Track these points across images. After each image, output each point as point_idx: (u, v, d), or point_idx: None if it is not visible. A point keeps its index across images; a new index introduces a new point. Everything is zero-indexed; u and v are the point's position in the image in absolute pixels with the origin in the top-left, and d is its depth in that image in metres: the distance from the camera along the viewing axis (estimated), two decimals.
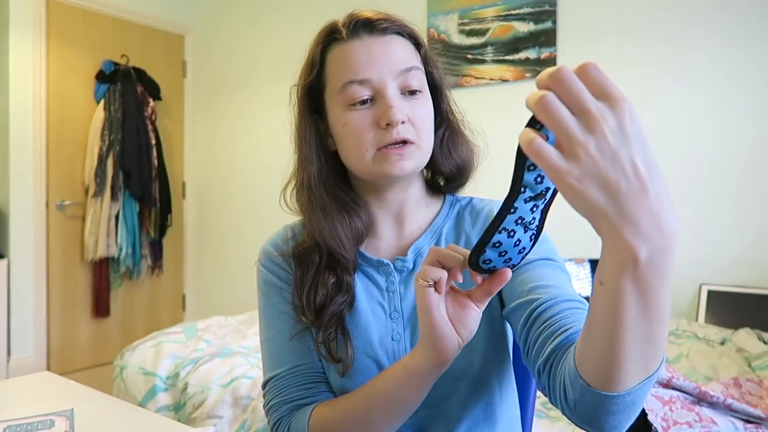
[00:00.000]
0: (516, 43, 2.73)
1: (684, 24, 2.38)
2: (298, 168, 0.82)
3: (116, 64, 3.44)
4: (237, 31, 3.77)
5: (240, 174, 3.76)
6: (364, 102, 0.71)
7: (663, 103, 2.43)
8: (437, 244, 0.80)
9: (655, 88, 2.45)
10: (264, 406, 0.78)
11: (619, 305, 0.45)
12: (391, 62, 0.71)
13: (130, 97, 3.42)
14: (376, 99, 0.71)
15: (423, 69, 0.75)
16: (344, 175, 0.80)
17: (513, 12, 2.75)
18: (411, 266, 0.78)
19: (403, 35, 0.75)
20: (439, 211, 0.83)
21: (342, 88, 0.72)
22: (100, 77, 3.38)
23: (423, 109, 0.73)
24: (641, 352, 0.48)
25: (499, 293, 0.76)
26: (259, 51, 3.66)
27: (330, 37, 0.76)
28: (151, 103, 3.58)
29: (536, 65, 2.69)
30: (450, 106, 0.82)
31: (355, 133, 0.72)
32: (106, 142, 3.31)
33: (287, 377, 0.76)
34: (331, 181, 0.78)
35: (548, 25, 2.67)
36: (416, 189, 0.81)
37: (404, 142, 0.71)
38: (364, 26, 0.73)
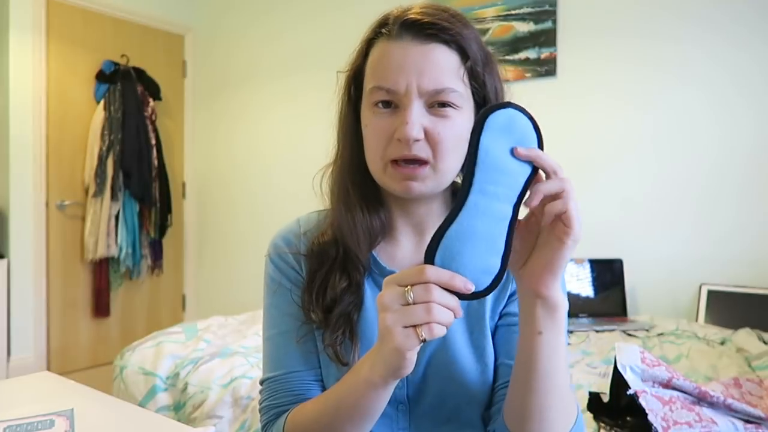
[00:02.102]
0: (516, 43, 2.73)
1: (684, 23, 2.38)
2: (335, 155, 0.79)
3: (116, 64, 3.44)
4: (237, 31, 3.77)
5: (240, 174, 3.76)
6: (387, 104, 0.68)
7: (663, 102, 2.43)
8: None
9: (655, 88, 2.45)
10: (259, 404, 0.78)
11: (557, 345, 0.59)
12: (422, 77, 0.66)
13: (130, 97, 3.42)
14: (399, 107, 0.68)
15: (464, 87, 0.68)
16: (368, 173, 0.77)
17: (513, 12, 2.75)
18: None
19: (449, 45, 0.67)
20: None
21: (370, 90, 0.70)
22: (100, 77, 3.39)
23: (449, 127, 0.67)
24: (563, 395, 0.61)
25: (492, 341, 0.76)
26: (259, 51, 3.66)
27: (379, 29, 0.71)
28: (151, 103, 3.58)
29: (536, 65, 2.69)
30: None
31: (373, 138, 0.70)
32: (106, 142, 3.31)
33: (281, 381, 0.75)
34: (359, 175, 0.75)
35: (548, 25, 2.66)
36: (441, 203, 0.78)
37: (418, 161, 0.67)
38: (409, 28, 0.68)
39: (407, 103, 0.66)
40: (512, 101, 0.58)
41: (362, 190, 0.75)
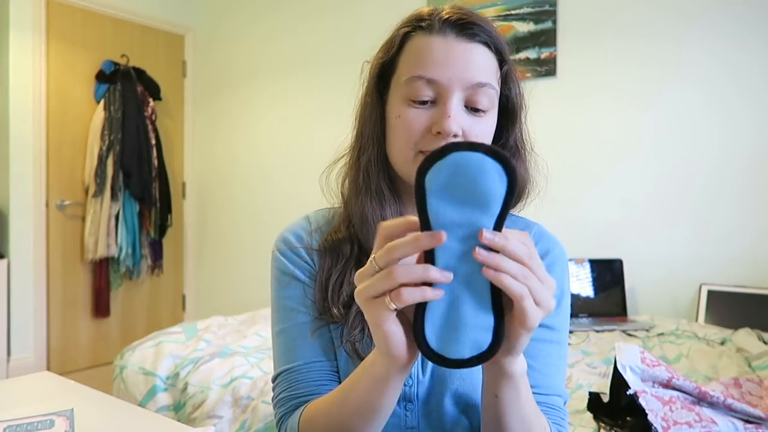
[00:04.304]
0: (516, 43, 2.73)
1: (684, 24, 2.38)
2: (354, 147, 0.77)
3: (116, 64, 3.44)
4: (237, 31, 3.77)
5: (240, 174, 3.76)
6: (423, 102, 0.68)
7: (663, 103, 2.43)
8: None
9: (655, 88, 2.45)
10: (272, 400, 0.75)
11: (517, 403, 0.59)
12: (466, 71, 0.67)
13: (130, 97, 3.42)
14: (436, 102, 0.68)
15: (498, 88, 0.70)
16: (389, 166, 0.75)
17: (513, 12, 2.75)
18: None
19: (489, 47, 0.69)
20: None
21: (408, 80, 0.68)
22: (100, 77, 3.39)
23: (482, 127, 0.69)
24: None
25: None
26: (259, 51, 3.66)
27: (416, 23, 0.71)
28: (151, 103, 3.58)
29: (536, 65, 2.70)
30: (521, 135, 0.76)
31: (405, 129, 0.69)
32: (106, 142, 3.32)
33: (301, 372, 0.73)
34: (383, 167, 0.74)
35: (548, 25, 2.67)
36: None
37: None
38: (452, 25, 0.68)
39: (447, 97, 0.67)
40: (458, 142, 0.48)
41: (384, 183, 0.74)
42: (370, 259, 0.50)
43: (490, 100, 0.69)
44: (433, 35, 0.68)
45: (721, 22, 2.31)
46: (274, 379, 0.76)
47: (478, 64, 0.67)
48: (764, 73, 2.25)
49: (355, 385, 0.61)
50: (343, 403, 0.63)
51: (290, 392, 0.72)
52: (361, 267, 0.72)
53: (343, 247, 0.75)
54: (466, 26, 0.68)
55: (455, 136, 0.66)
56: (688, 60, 2.38)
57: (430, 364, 0.73)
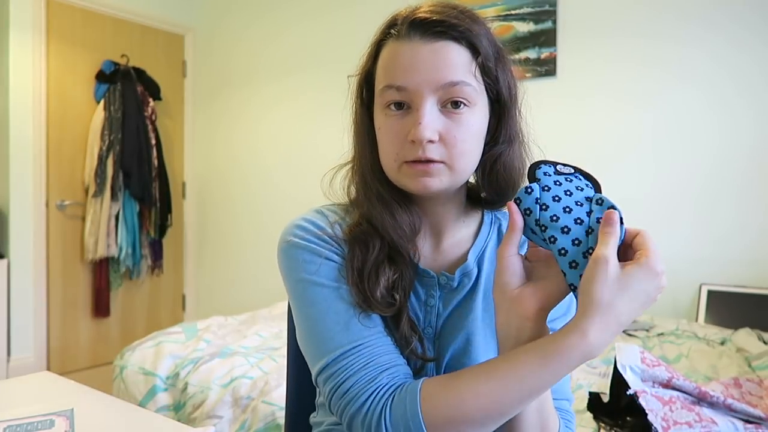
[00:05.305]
0: (516, 43, 2.73)
1: (684, 24, 2.38)
2: (354, 156, 0.77)
3: (116, 64, 3.44)
4: (237, 31, 3.77)
5: (240, 174, 3.76)
6: (400, 106, 0.67)
7: (663, 102, 2.43)
8: (479, 266, 0.75)
9: (656, 87, 2.45)
10: (335, 388, 0.64)
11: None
12: (434, 73, 0.65)
13: (130, 97, 3.42)
14: (411, 108, 0.67)
15: (477, 83, 0.67)
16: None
17: (513, 12, 2.75)
18: (455, 285, 0.73)
19: (459, 42, 0.66)
20: (479, 229, 0.78)
21: (381, 90, 0.69)
22: (100, 77, 3.39)
23: (464, 127, 0.66)
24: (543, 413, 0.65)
25: None
26: (259, 50, 3.66)
27: (388, 30, 0.70)
28: (151, 103, 3.58)
29: (536, 65, 2.70)
30: (516, 127, 0.73)
31: (386, 139, 0.69)
32: (106, 142, 3.32)
33: (376, 345, 0.66)
34: (378, 177, 0.73)
35: (548, 25, 2.66)
36: (456, 204, 0.76)
37: (431, 161, 0.66)
38: (417, 27, 0.67)
39: (419, 103, 0.66)
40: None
41: (384, 189, 0.73)
42: (657, 271, 0.54)
43: (467, 98, 0.66)
44: (401, 41, 0.67)
45: (721, 22, 2.31)
46: (325, 367, 0.66)
47: (447, 63, 0.65)
48: (764, 73, 2.25)
49: (556, 368, 0.55)
50: (515, 381, 0.57)
51: (374, 367, 0.64)
52: (393, 263, 0.71)
53: (370, 240, 0.71)
54: (431, 25, 0.66)
55: (431, 141, 0.65)
56: (688, 60, 2.38)
57: (446, 359, 0.72)
